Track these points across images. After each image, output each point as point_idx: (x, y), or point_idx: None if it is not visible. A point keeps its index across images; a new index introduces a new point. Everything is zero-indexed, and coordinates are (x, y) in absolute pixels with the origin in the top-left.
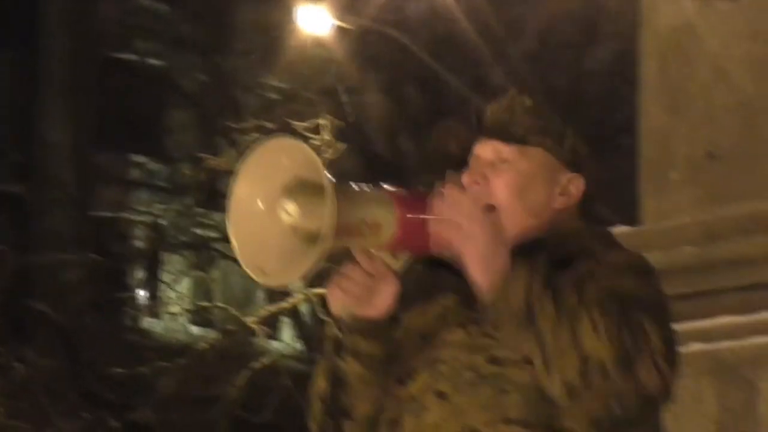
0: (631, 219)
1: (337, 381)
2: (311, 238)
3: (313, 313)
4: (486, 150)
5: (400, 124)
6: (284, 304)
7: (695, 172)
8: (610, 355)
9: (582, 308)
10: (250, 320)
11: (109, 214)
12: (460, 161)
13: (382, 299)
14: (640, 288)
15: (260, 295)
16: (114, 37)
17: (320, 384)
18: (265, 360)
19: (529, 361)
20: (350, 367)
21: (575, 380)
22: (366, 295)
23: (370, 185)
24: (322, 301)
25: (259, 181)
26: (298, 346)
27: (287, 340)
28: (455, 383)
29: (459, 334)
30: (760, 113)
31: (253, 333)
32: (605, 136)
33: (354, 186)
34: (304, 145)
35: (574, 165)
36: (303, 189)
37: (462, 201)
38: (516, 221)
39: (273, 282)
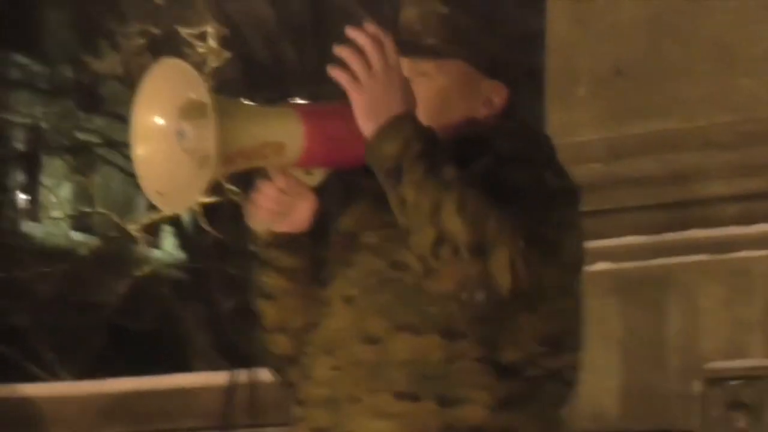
0: None
1: (264, 296)
2: (207, 162)
3: (196, 222)
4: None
5: (283, 32)
6: (166, 213)
7: (601, 87)
8: (466, 238)
9: (454, 186)
10: (132, 227)
11: None
12: None
13: (300, 215)
14: (529, 180)
15: (142, 202)
16: None
17: (253, 301)
18: (146, 268)
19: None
20: (274, 281)
21: (427, 252)
22: (283, 211)
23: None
24: (204, 210)
25: (155, 104)
26: (180, 254)
27: (169, 248)
28: (362, 288)
29: (372, 237)
30: (668, 30)
31: (134, 240)
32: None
33: (251, 105)
34: (188, 66)
35: (495, 73)
36: (200, 112)
37: (370, 52)
38: None
39: (168, 206)
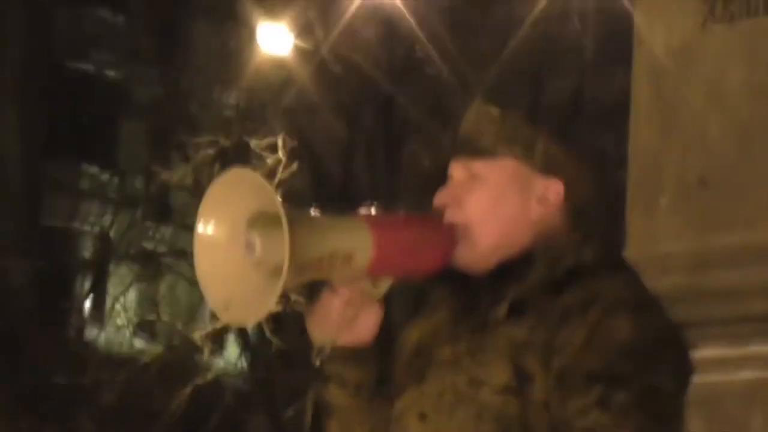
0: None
1: (324, 412)
2: (276, 274)
3: (260, 332)
4: (457, 169)
5: (354, 146)
6: (234, 325)
7: (686, 198)
8: None
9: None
10: (196, 336)
11: (58, 224)
12: (436, 180)
13: (364, 327)
14: (631, 333)
15: (206, 310)
16: (69, 47)
17: (308, 416)
18: (208, 377)
19: (511, 391)
20: (336, 397)
21: None
22: (347, 323)
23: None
24: (269, 319)
25: (221, 215)
26: (242, 364)
27: (232, 357)
28: (436, 404)
29: (446, 352)
30: (755, 139)
31: (197, 348)
32: None
33: (320, 216)
34: (260, 177)
35: (549, 170)
36: (268, 222)
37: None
38: (493, 239)
39: (235, 319)
